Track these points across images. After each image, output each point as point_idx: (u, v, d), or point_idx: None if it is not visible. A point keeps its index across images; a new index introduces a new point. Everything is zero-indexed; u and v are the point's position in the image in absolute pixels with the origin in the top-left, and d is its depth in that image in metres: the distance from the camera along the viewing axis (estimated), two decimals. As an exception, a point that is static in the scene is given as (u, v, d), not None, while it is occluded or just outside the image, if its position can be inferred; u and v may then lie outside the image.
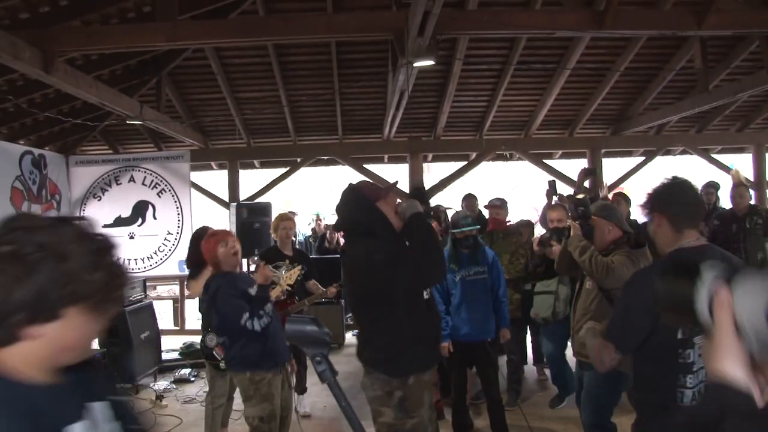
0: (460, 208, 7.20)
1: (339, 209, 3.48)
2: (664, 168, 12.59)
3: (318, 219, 11.80)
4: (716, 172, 10.78)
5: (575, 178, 9.11)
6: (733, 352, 1.05)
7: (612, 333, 2.73)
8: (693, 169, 11.77)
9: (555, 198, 6.22)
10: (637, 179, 11.24)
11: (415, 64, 5.75)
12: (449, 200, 9.10)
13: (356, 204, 3.40)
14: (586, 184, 9.07)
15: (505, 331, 5.25)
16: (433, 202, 9.32)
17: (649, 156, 11.22)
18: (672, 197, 2.72)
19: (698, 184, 2.94)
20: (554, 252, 4.72)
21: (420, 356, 3.41)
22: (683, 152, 11.66)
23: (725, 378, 1.05)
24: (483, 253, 5.13)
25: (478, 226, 5.14)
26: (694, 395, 2.51)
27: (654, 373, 2.64)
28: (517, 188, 17.14)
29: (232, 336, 4.21)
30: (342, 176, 16.37)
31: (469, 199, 7.78)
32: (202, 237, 4.64)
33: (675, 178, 2.78)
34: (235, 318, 4.01)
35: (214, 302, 4.14)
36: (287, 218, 6.41)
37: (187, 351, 8.28)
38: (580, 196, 4.78)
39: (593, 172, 6.02)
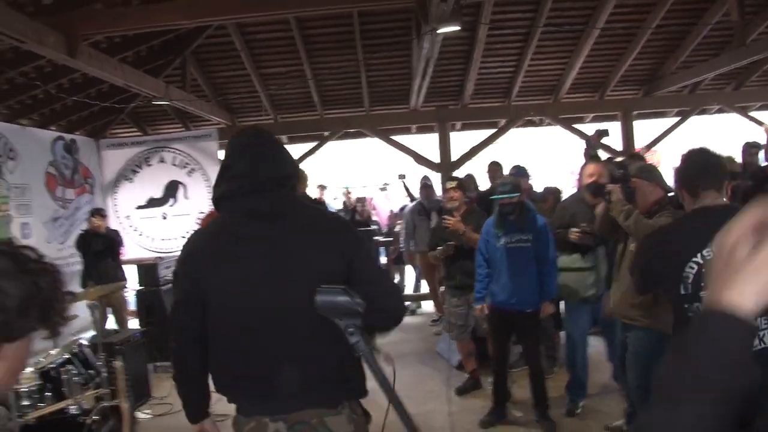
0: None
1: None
2: (699, 128, 12.34)
3: (348, 192, 11.79)
4: (755, 131, 10.49)
5: (607, 143, 8.95)
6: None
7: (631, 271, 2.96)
8: (730, 128, 11.48)
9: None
10: (671, 140, 11.01)
11: (440, 31, 5.67)
12: (478, 169, 8.99)
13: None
14: (603, 152, 8.91)
15: (547, 304, 5.03)
16: (463, 171, 9.24)
17: (684, 116, 10.95)
18: (685, 166, 2.89)
19: (738, 144, 2.92)
20: (597, 211, 4.54)
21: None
22: (719, 111, 11.39)
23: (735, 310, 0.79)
24: (531, 221, 4.98)
25: (518, 193, 4.98)
26: None
27: (674, 329, 2.85)
28: (548, 154, 16.90)
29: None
30: (370, 148, 16.34)
31: (494, 167, 7.68)
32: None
33: (691, 149, 2.94)
34: None
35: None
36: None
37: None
38: (619, 159, 4.71)
39: (607, 133, 5.88)
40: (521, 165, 6.65)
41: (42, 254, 1.27)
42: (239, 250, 2.25)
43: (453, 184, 5.78)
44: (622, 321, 4.17)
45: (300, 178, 6.88)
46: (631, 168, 4.25)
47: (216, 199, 2.35)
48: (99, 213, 7.94)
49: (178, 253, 2.45)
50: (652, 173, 4.12)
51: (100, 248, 7.59)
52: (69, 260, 9.02)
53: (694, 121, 11.21)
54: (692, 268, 2.63)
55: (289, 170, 2.39)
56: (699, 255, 2.62)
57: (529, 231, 4.92)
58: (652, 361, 4.00)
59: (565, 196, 7.55)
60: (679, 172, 2.91)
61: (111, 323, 7.73)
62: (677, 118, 11.03)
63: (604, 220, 4.30)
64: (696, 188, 2.80)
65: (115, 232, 8.48)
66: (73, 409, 4.19)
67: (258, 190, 2.26)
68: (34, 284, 1.20)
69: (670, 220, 3.74)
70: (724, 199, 2.83)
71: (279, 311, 2.20)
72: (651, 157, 9.44)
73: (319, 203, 11.12)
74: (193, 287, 2.26)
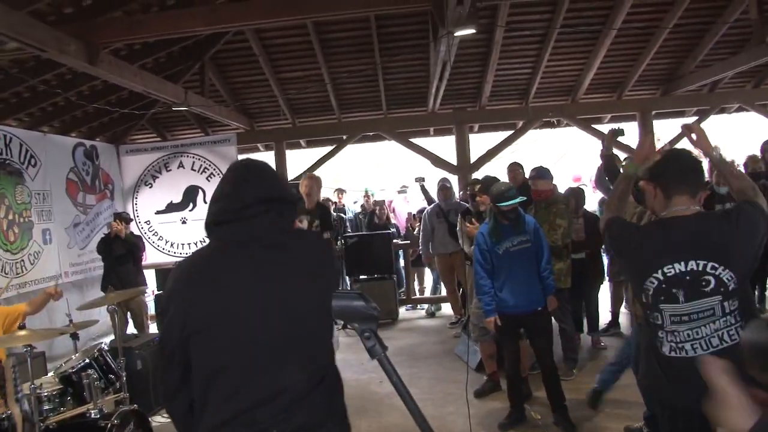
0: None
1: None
2: (719, 127, 12.22)
3: (366, 195, 11.80)
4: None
5: (626, 143, 8.88)
6: None
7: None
8: (750, 126, 11.36)
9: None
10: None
11: (456, 34, 5.66)
12: (497, 170, 8.97)
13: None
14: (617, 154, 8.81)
15: (552, 298, 5.08)
16: (481, 173, 9.22)
17: (703, 115, 10.87)
18: (666, 167, 2.85)
19: (758, 142, 2.89)
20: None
21: None
22: (739, 109, 11.26)
23: None
24: (524, 222, 5.03)
25: (524, 198, 5.00)
26: (670, 348, 2.67)
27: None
28: (566, 155, 16.82)
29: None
30: (388, 151, 16.34)
31: (514, 167, 7.64)
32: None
33: (674, 149, 3.02)
34: None
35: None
36: (307, 177, 7.24)
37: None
38: (600, 197, 4.77)
39: (622, 133, 5.85)
40: (543, 166, 6.60)
41: None
42: (222, 278, 2.08)
43: (479, 188, 5.74)
44: (642, 322, 4.17)
45: (315, 181, 6.99)
46: (639, 171, 4.26)
47: (206, 227, 2.21)
48: (120, 217, 7.94)
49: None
50: None
51: (122, 252, 7.63)
52: (89, 265, 9.13)
53: (714, 120, 11.10)
54: (652, 283, 2.65)
55: (277, 193, 2.23)
56: (660, 271, 2.63)
57: (525, 232, 4.95)
58: None
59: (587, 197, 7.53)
60: (659, 170, 2.88)
61: (131, 328, 7.80)
62: (696, 118, 10.92)
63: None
64: (671, 191, 2.77)
65: (137, 237, 8.50)
66: (93, 413, 4.24)
67: (243, 216, 2.13)
68: None
69: None
70: (697, 207, 2.77)
71: (264, 340, 2.03)
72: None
73: (338, 207, 11.17)
74: (181, 332, 2.05)
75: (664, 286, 2.62)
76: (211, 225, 2.18)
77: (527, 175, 6.86)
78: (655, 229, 2.85)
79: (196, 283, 2.09)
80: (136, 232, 9.59)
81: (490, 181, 6.95)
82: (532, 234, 4.99)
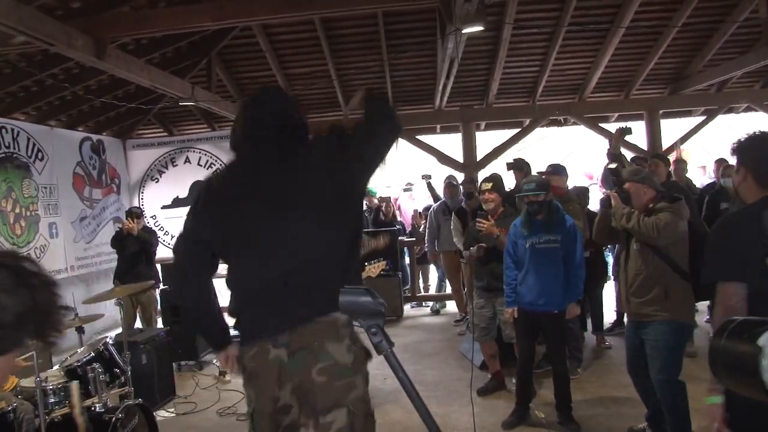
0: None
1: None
2: (726, 127, 12.18)
3: (369, 197, 11.80)
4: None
5: (634, 142, 8.88)
6: None
7: (729, 271, 2.46)
8: (759, 126, 11.30)
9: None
10: (697, 139, 10.87)
11: (464, 31, 5.64)
12: (503, 168, 8.95)
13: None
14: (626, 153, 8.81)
15: (573, 306, 4.96)
16: (487, 171, 9.21)
17: (711, 115, 10.81)
18: (760, 151, 2.58)
19: None
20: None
21: None
22: (747, 109, 11.21)
23: None
24: (560, 221, 4.92)
25: (543, 192, 4.93)
26: None
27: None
28: (573, 154, 16.77)
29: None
30: (395, 148, 16.33)
31: (518, 163, 7.59)
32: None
33: (764, 132, 2.64)
34: None
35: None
36: None
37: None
38: (613, 165, 4.77)
39: (629, 131, 5.87)
40: (560, 164, 6.59)
41: (41, 267, 1.28)
42: (246, 184, 2.40)
43: (489, 185, 5.65)
44: (636, 320, 4.20)
45: None
46: (624, 172, 4.48)
47: (231, 149, 2.58)
48: (131, 213, 7.79)
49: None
50: (644, 176, 4.34)
51: (135, 250, 7.55)
52: (95, 260, 9.16)
53: (722, 119, 11.06)
54: None
55: (281, 120, 2.54)
56: None
57: (557, 231, 4.87)
58: (674, 351, 4.07)
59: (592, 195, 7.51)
60: (751, 158, 2.57)
61: (138, 323, 7.81)
62: (703, 117, 10.89)
63: (601, 227, 4.54)
64: (766, 180, 2.50)
65: (151, 233, 8.15)
66: (98, 407, 4.25)
67: (259, 132, 2.47)
68: (31, 299, 1.21)
69: (668, 214, 3.99)
70: None
71: (285, 228, 2.32)
72: (682, 155, 9.31)
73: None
74: (199, 222, 2.48)
75: None
76: (232, 148, 2.58)
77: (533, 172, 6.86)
78: (758, 207, 2.49)
79: (218, 190, 2.48)
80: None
81: (521, 163, 7.03)
82: (565, 235, 4.88)
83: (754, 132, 2.67)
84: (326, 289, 2.19)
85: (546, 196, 4.92)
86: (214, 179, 2.56)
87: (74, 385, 4.10)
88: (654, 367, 4.11)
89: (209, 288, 2.53)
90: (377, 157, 2.51)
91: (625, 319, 7.66)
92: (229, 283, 2.46)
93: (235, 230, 2.39)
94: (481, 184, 5.77)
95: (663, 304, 4.00)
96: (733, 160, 2.81)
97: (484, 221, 5.51)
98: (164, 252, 10.15)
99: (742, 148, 2.64)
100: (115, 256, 7.93)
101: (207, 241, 2.47)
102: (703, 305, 6.84)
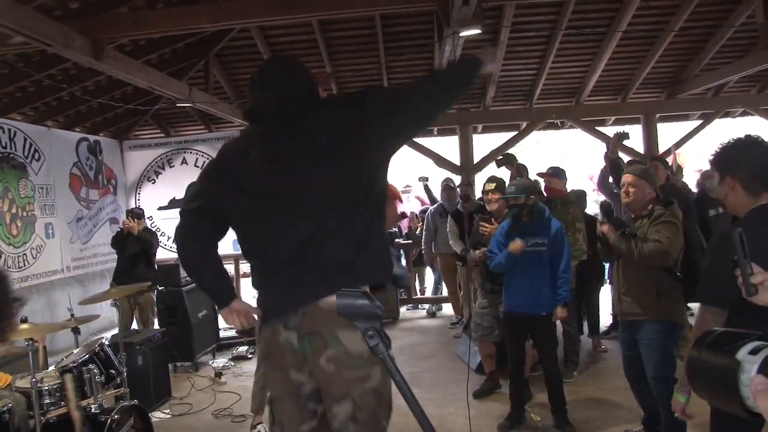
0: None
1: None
2: (723, 131, 12.19)
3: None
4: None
5: (631, 146, 8.89)
6: None
7: (710, 296, 2.58)
8: (755, 131, 11.32)
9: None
10: (693, 144, 10.89)
11: (462, 34, 5.65)
12: (500, 171, 8.97)
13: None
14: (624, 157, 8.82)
15: (560, 309, 4.91)
16: (485, 173, 9.21)
17: (707, 119, 10.83)
18: (745, 158, 2.54)
19: None
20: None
21: None
22: (744, 114, 11.25)
23: None
24: (545, 224, 4.95)
25: (523, 195, 4.94)
26: None
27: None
28: (569, 157, 16.80)
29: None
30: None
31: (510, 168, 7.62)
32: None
33: (748, 136, 2.60)
34: None
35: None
36: None
37: (244, 328, 8.37)
38: (602, 199, 4.86)
39: (627, 136, 5.89)
40: (560, 167, 6.62)
41: None
42: (262, 147, 2.34)
43: (492, 186, 5.64)
44: (629, 320, 4.22)
45: None
46: (633, 168, 4.46)
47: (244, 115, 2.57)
48: (132, 213, 7.78)
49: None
50: (652, 176, 4.32)
51: (135, 250, 7.54)
52: (91, 260, 9.15)
53: (718, 124, 11.09)
54: None
55: (295, 77, 2.55)
56: None
57: (544, 235, 4.89)
58: (668, 349, 4.09)
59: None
60: (736, 165, 2.51)
61: (134, 325, 7.80)
62: (700, 121, 10.91)
63: (604, 249, 4.48)
64: (757, 188, 2.47)
65: (151, 234, 8.08)
66: (93, 408, 4.24)
67: (269, 95, 2.45)
68: None
69: (666, 228, 3.97)
70: None
71: (299, 192, 2.24)
72: (678, 159, 9.32)
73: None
74: (208, 186, 2.44)
75: None
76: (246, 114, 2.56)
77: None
78: (752, 221, 2.43)
79: (231, 154, 2.46)
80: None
81: (510, 157, 7.08)
82: (552, 239, 4.90)
83: (733, 139, 2.61)
84: (340, 265, 2.17)
85: (528, 199, 4.95)
86: (228, 145, 2.54)
87: (68, 377, 4.09)
88: (649, 367, 4.13)
89: (210, 247, 2.46)
90: (424, 109, 2.41)
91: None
92: (245, 254, 2.45)
93: (246, 197, 2.32)
94: (484, 185, 5.77)
95: (655, 304, 4.02)
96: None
97: (486, 225, 5.53)
98: (161, 253, 10.14)
99: (726, 157, 2.59)
100: (112, 256, 7.93)
101: (213, 207, 2.40)
102: (696, 306, 6.84)
